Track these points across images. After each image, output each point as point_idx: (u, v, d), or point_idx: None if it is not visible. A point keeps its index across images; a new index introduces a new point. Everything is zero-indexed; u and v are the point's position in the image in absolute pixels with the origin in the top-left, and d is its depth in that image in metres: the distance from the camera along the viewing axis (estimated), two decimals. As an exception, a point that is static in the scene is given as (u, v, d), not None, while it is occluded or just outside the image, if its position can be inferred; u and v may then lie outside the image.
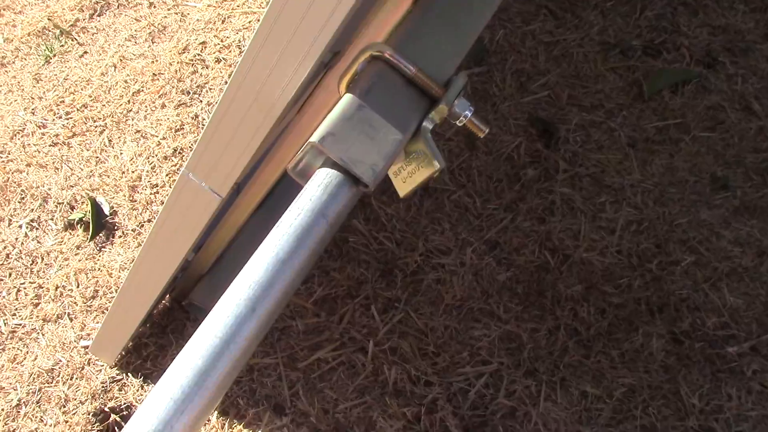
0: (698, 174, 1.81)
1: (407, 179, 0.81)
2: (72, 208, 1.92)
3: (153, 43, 2.30)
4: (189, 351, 0.58)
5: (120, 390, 1.58)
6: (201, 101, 2.12)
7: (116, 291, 1.73)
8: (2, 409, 1.55)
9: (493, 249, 1.72)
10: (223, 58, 2.21)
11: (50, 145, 2.07)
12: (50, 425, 1.53)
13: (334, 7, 0.72)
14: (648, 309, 1.60)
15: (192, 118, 2.08)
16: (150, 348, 1.62)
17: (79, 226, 1.88)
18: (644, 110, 1.93)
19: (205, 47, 2.25)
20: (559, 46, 2.09)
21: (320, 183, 0.72)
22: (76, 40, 2.35)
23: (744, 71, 1.99)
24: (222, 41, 2.25)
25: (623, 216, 1.74)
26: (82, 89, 2.21)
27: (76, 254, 1.83)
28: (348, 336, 1.61)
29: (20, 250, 1.85)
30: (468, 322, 1.61)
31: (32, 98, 2.20)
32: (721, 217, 1.73)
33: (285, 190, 1.60)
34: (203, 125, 2.06)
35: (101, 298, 1.73)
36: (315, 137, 0.73)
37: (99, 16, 2.42)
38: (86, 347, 1.63)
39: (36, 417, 1.54)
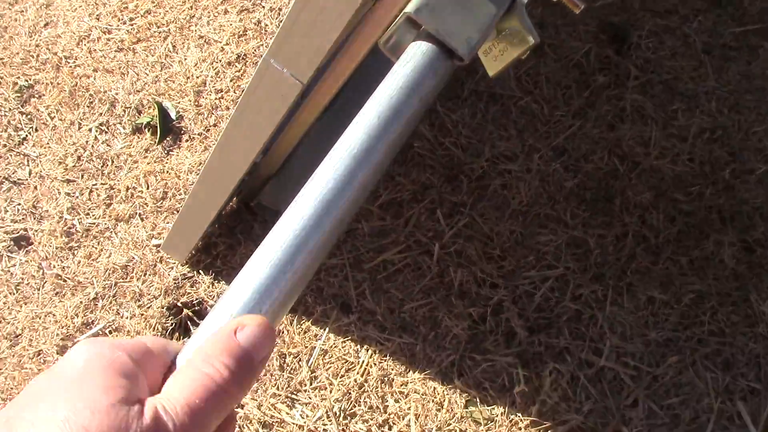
0: (777, 81, 1.75)
1: (498, 57, 0.80)
2: (139, 112, 1.94)
3: (214, -52, 2.28)
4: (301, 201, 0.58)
5: (191, 286, 1.62)
6: (263, 7, 2.11)
7: (185, 193, 1.76)
8: (81, 302, 1.61)
9: (560, 155, 1.70)
10: (285, -36, 2.18)
11: (116, 51, 2.08)
12: (126, 317, 1.59)
13: None
14: (719, 217, 1.58)
15: (254, 24, 2.07)
16: (219, 247, 1.66)
17: (146, 130, 1.90)
18: (721, 15, 1.85)
19: (267, -48, 2.22)
20: (633, -52, 2.01)
21: (413, 56, 0.71)
22: (138, -55, 2.34)
23: (830, -26, 1.90)
24: (283, -54, 2.21)
25: (696, 123, 1.70)
26: (144, -5, 2.21)
27: (144, 157, 1.86)
28: (413, 239, 1.62)
29: (91, 153, 1.88)
30: (534, 227, 1.61)
31: (96, 4, 2.21)
32: (800, 126, 1.68)
33: (352, 94, 1.60)
34: (266, 31, 2.05)
35: (170, 199, 1.76)
36: (410, 8, 0.72)
37: None
38: (158, 246, 1.68)
39: (113, 310, 1.60)
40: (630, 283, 1.52)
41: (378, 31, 1.15)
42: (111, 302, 1.61)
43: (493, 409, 1.42)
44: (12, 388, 1.50)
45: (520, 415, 1.40)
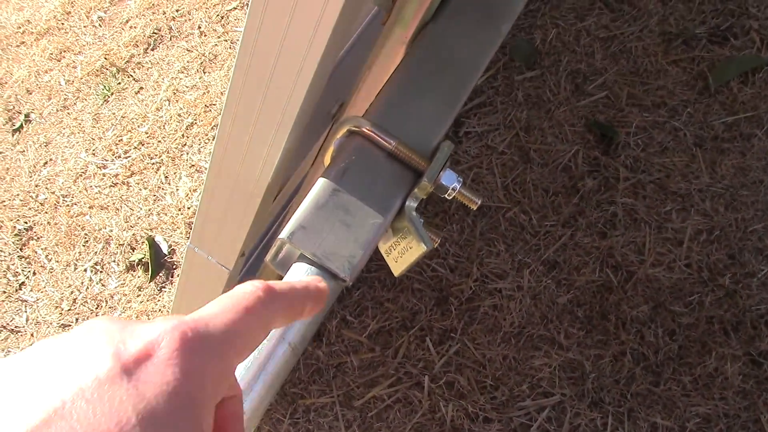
0: (775, 172, 1.66)
1: (399, 258, 0.76)
2: (132, 248, 1.95)
3: (204, 73, 2.31)
4: None
5: None
6: (252, 130, 2.11)
7: (175, 333, 1.74)
8: None
9: (551, 269, 1.63)
10: (273, 83, 2.19)
11: (110, 186, 2.11)
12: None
13: (294, 82, 0.65)
14: (722, 328, 1.48)
15: (244, 147, 2.07)
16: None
17: (139, 267, 1.90)
18: (711, 105, 1.79)
19: (255, 73, 2.23)
20: (617, 41, 1.96)
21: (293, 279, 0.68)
22: (132, 76, 2.39)
23: (824, 52, 1.82)
24: (270, 66, 2.23)
25: (691, 225, 1.62)
26: (138, 126, 2.24)
27: (138, 296, 1.85)
28: (404, 371, 1.56)
29: (86, 295, 1.89)
30: (527, 350, 1.54)
31: (92, 139, 2.25)
32: (803, 219, 1.59)
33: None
34: (255, 155, 2.05)
35: (161, 341, 1.74)
36: (284, 233, 0.68)
37: (153, 49, 2.45)
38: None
39: None
40: (631, 409, 1.43)
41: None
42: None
43: None
44: None
45: None
